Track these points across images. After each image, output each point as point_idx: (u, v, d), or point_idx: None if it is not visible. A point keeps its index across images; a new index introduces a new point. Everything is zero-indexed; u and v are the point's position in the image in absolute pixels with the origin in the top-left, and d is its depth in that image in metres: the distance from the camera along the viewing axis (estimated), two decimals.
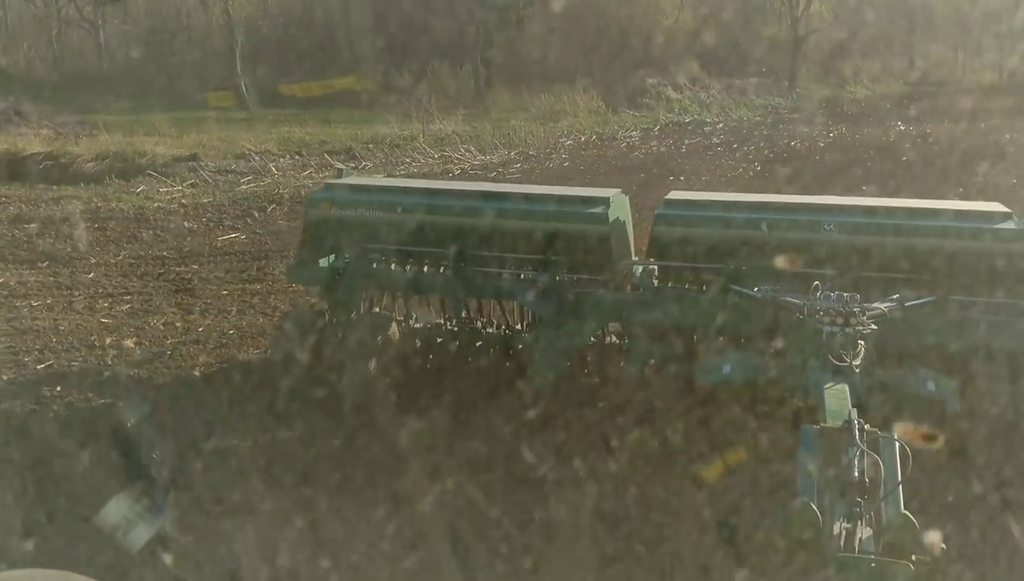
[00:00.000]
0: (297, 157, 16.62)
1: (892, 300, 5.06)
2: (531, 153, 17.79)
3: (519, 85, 27.19)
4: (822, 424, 3.90)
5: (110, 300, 7.93)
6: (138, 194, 12.73)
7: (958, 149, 16.96)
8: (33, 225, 10.66)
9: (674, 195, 6.49)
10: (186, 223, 11.06)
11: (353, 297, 6.63)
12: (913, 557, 3.09)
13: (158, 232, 10.55)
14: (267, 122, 21.65)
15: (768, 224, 5.90)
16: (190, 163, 15.29)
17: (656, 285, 6.09)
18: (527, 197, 6.65)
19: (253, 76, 26.71)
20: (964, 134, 19.37)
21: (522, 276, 6.29)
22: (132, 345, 6.81)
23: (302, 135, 18.99)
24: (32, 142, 17.21)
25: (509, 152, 17.80)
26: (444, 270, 6.40)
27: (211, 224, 11.10)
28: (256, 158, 15.96)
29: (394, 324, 6.57)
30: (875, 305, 4.89)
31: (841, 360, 4.53)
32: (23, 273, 8.66)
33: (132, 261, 9.24)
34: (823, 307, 4.79)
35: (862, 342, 4.69)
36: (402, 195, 6.77)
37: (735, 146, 18.87)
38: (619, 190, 6.46)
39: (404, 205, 6.51)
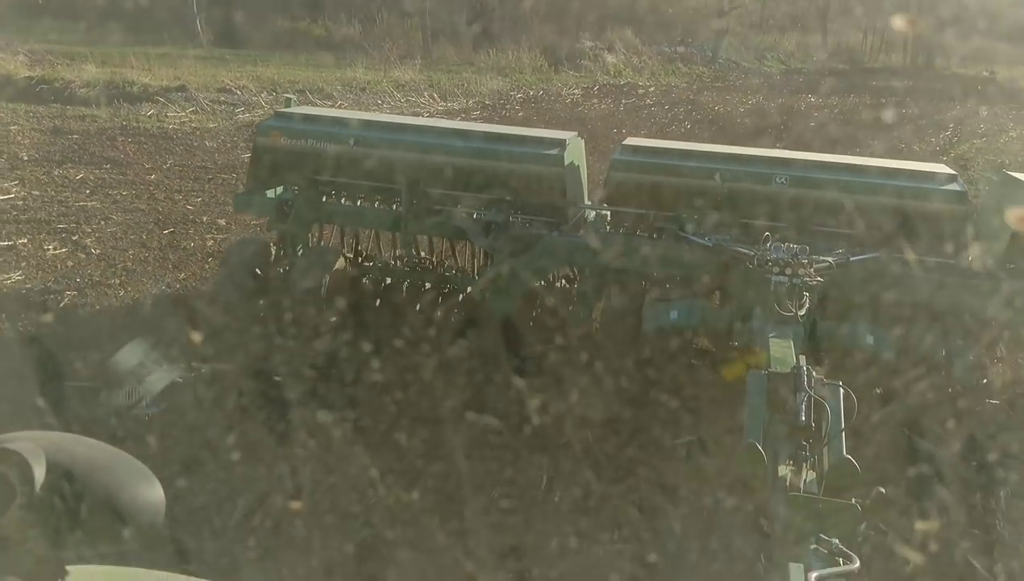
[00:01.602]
0: (275, 93, 18.40)
1: (838, 254, 5.34)
2: (487, 103, 19.99)
3: (461, 41, 29.20)
4: (769, 370, 4.04)
5: (182, 194, 9.92)
6: (149, 117, 14.48)
7: (856, 118, 19.98)
8: (75, 136, 12.40)
9: (631, 141, 6.63)
10: (207, 142, 12.96)
11: (301, 230, 6.63)
12: (853, 500, 3.18)
13: (187, 148, 12.44)
14: (232, 61, 23.15)
15: (721, 174, 6.06)
16: (180, 93, 16.95)
17: (608, 230, 6.24)
18: (483, 135, 6.62)
19: (208, 16, 27.94)
20: (864, 107, 22.48)
21: (475, 215, 6.29)
22: (224, 223, 8.87)
23: (272, 74, 20.69)
24: (17, 67, 18.46)
25: (467, 100, 19.96)
26: (396, 206, 6.40)
27: (228, 144, 13.01)
28: (238, 92, 17.72)
29: (343, 259, 6.60)
30: (822, 258, 5.16)
31: (787, 310, 4.75)
32: (95, 172, 10.53)
33: (180, 168, 11.19)
34: (772, 257, 5.04)
35: (807, 293, 4.93)
36: (355, 128, 6.67)
37: (667, 108, 21.48)
38: (575, 133, 6.59)
39: (357, 138, 6.47)
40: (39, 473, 1.28)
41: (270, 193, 6.71)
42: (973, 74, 30.82)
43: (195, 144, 12.81)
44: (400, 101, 19.08)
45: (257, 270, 6.34)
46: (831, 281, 5.18)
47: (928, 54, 35.28)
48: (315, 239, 6.89)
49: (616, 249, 5.87)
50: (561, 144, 6.18)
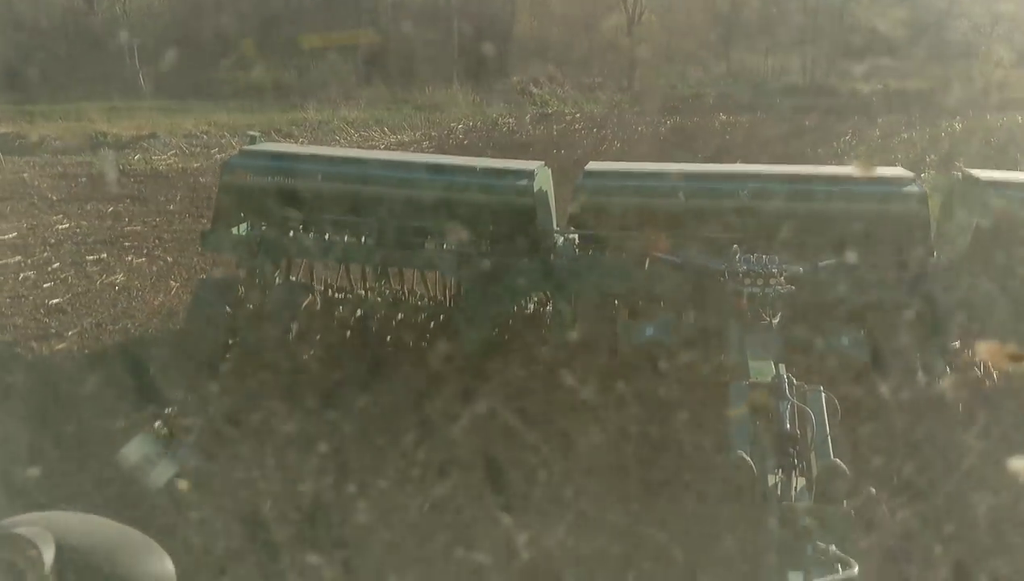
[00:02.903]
0: (236, 137, 20.05)
1: (806, 261, 5.53)
2: (433, 134, 22.01)
3: (393, 81, 31.29)
4: (749, 380, 4.15)
5: (206, 218, 11.55)
6: (137, 161, 16.03)
7: (762, 132, 22.63)
8: (82, 179, 13.92)
9: (593, 166, 6.83)
10: (201, 179, 14.59)
11: (269, 266, 6.70)
12: (844, 503, 3.25)
13: (187, 184, 14.06)
14: (182, 111, 24.66)
15: (685, 192, 6.23)
16: (152, 140, 18.48)
17: (577, 254, 6.41)
18: (451, 168, 6.85)
19: (147, 69, 29.36)
20: (771, 122, 25.24)
21: (445, 246, 6.46)
22: None
23: (227, 120, 22.31)
24: None
25: (415, 133, 21.95)
26: (366, 240, 6.52)
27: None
28: (204, 137, 19.34)
29: (312, 295, 6.80)
30: (791, 266, 5.33)
31: (762, 319, 4.94)
32: (120, 206, 12.12)
33: (191, 199, 12.83)
34: (744, 269, 5.19)
35: (779, 301, 5.10)
36: (321, 163, 6.90)
37: (595, 131, 23.82)
38: (542, 163, 6.78)
39: (324, 173, 6.66)
40: (48, 557, 1.34)
41: (237, 230, 6.78)
42: (868, 89, 34.21)
43: (191, 181, 14.44)
44: (354, 136, 20.95)
45: (226, 307, 6.50)
46: (801, 288, 5.33)
47: (824, 73, 38.73)
48: (284, 273, 6.90)
49: (586, 273, 6.20)
50: (530, 174, 6.39)
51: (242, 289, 6.70)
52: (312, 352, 6.38)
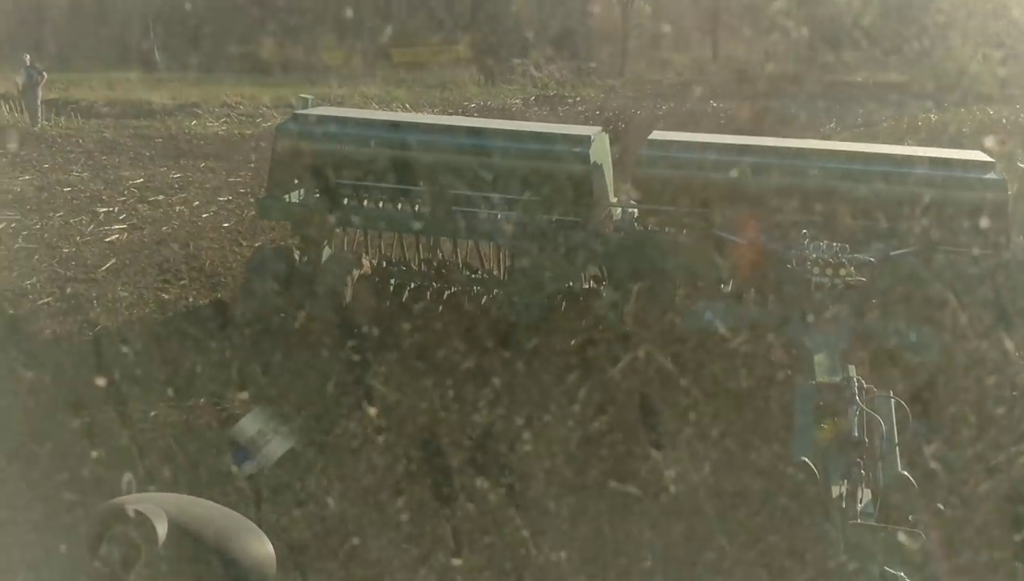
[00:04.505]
0: (269, 108, 22.05)
1: (877, 249, 5.25)
2: (449, 112, 24.11)
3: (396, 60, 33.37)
4: (816, 380, 4.04)
5: None
6: (194, 126, 18.05)
7: (751, 118, 24.92)
8: (159, 140, 15.96)
9: (657, 135, 6.62)
10: (262, 143, 16.65)
11: (323, 234, 6.69)
12: (910, 517, 3.21)
13: (251, 146, 16.12)
14: (208, 83, 26.60)
15: (753, 167, 5.96)
16: (192, 109, 20.50)
17: (637, 228, 6.21)
18: (505, 133, 6.80)
19: (161, 44, 31.24)
20: (760, 109, 27.59)
21: (499, 216, 6.32)
22: None
23: (254, 93, 24.30)
24: None
25: (431, 109, 24.06)
26: (418, 208, 6.48)
27: None
28: (239, 107, 21.37)
29: (366, 263, 6.77)
30: (862, 255, 5.05)
31: (830, 312, 4.74)
32: (206, 163, 14.19)
33: (265, 158, 14.87)
34: (812, 256, 4.95)
35: (849, 292, 4.88)
36: (375, 128, 6.84)
37: (597, 113, 25.97)
38: (599, 129, 6.71)
39: (377, 138, 6.59)
40: (161, 532, 1.45)
41: (291, 196, 6.83)
42: (849, 80, 36.59)
43: (253, 144, 16.50)
44: (377, 110, 23.04)
45: (279, 278, 6.58)
46: (871, 279, 5.12)
47: (808, 64, 41.12)
48: (337, 243, 6.97)
49: (644, 249, 6.03)
50: (586, 141, 6.29)
51: (297, 257, 6.79)
52: (361, 323, 6.35)
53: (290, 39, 32.73)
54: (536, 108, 26.46)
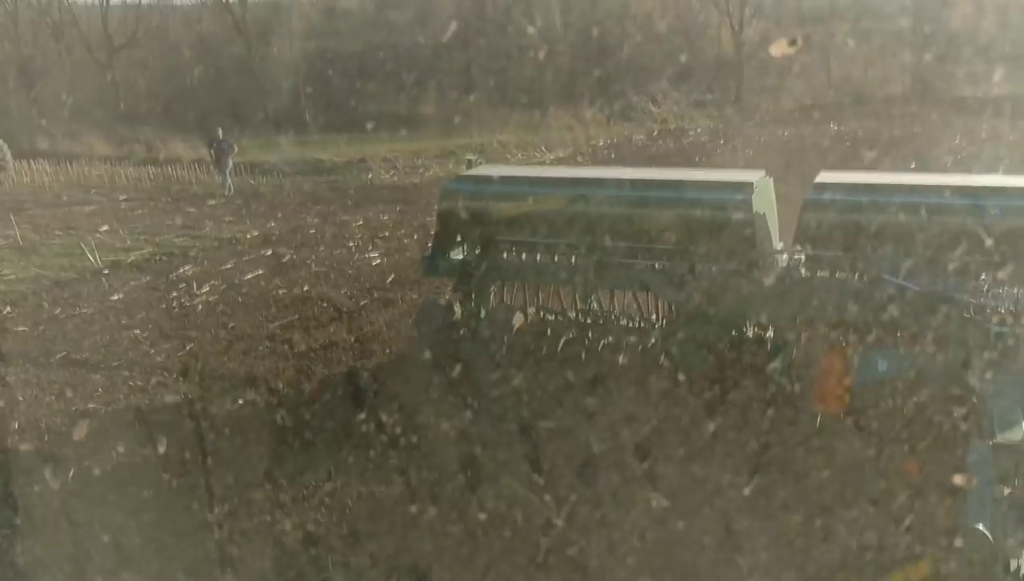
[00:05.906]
0: (421, 160, 24.94)
1: None
2: (582, 150, 26.60)
3: (520, 106, 36.11)
4: (995, 439, 3.91)
5: None
6: (370, 178, 21.08)
7: (874, 138, 26.32)
8: (351, 190, 18.97)
9: (824, 178, 6.45)
10: (433, 189, 19.46)
11: (484, 290, 7.05)
12: None
13: (425, 193, 18.87)
14: (361, 141, 29.72)
15: (929, 208, 5.71)
16: (360, 164, 23.60)
17: (804, 275, 6.09)
18: (663, 183, 6.91)
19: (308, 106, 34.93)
20: (881, 129, 28.97)
21: (658, 266, 6.42)
22: None
23: (405, 148, 27.34)
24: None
25: (565, 150, 26.60)
26: (576, 260, 6.73)
27: None
28: (398, 160, 24.41)
29: (522, 316, 7.09)
30: None
31: (1013, 364, 4.59)
32: (403, 207, 16.89)
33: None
34: (993, 304, 4.85)
35: None
36: (534, 185, 7.15)
37: (721, 142, 27.88)
38: (763, 173, 6.56)
39: (536, 195, 6.87)
40: None
41: (454, 254, 7.28)
42: (968, 94, 37.05)
43: (425, 190, 19.29)
44: (517, 155, 25.71)
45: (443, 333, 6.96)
46: None
47: (925, 80, 41.77)
48: (496, 298, 7.35)
49: (812, 296, 5.88)
50: (748, 188, 6.30)
51: (458, 312, 7.26)
52: (520, 377, 6.55)
53: (422, 95, 35.97)
54: (661, 141, 28.65)
